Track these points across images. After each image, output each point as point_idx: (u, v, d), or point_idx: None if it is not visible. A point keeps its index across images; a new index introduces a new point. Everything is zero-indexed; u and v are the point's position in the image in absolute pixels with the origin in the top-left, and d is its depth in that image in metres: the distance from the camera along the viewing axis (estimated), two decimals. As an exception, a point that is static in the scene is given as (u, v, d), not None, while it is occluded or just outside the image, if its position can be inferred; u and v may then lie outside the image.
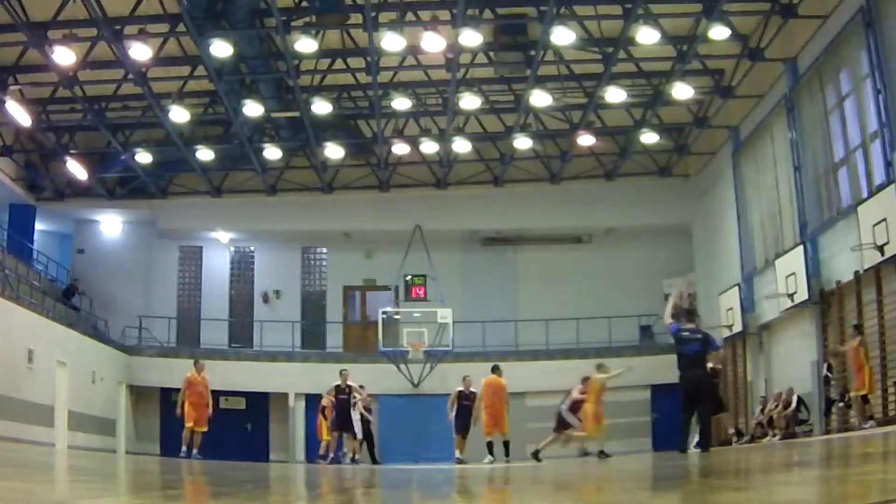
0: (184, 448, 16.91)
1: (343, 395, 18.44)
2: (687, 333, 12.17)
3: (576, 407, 17.18)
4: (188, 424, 16.99)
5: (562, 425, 17.32)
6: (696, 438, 12.41)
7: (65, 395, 20.16)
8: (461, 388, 18.46)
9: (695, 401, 11.94)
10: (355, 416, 19.23)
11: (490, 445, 17.58)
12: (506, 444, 17.91)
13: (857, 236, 15.36)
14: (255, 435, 24.95)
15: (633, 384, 24.90)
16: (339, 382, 18.57)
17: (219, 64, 19.37)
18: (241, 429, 24.51)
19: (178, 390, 24.33)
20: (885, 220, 14.49)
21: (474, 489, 6.58)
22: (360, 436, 19.65)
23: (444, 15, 18.15)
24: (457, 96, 21.45)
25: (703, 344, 12.04)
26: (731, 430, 19.05)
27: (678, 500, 4.24)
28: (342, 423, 18.41)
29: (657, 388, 24.99)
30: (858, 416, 15.06)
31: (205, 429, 17.16)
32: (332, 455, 18.41)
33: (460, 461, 17.60)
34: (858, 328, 15.49)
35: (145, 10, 18.04)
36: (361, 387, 19.29)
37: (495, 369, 18.29)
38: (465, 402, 18.29)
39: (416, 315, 25.52)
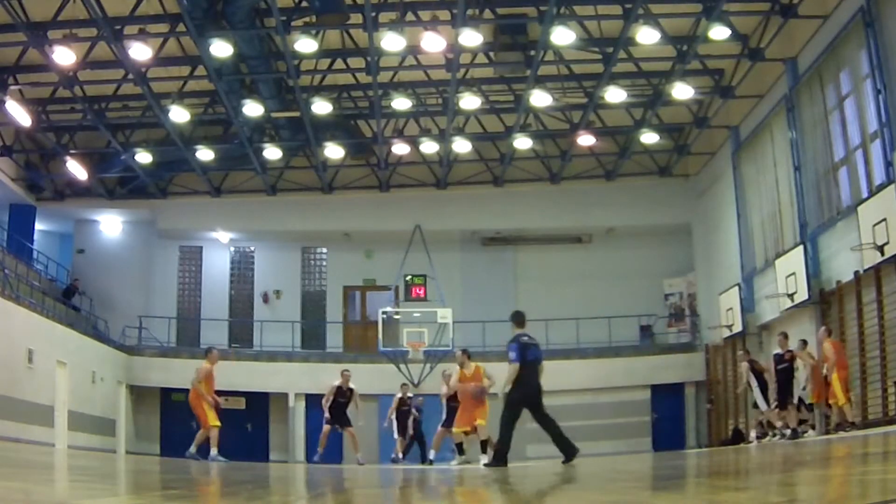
0: (215, 451, 14.77)
1: (342, 399, 17.67)
2: (527, 339, 11.05)
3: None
4: (216, 423, 14.91)
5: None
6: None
7: (65, 395, 20.17)
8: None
9: (533, 410, 10.91)
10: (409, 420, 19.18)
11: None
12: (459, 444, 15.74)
13: (857, 236, 15.37)
14: (255, 435, 24.95)
15: (633, 384, 25.02)
16: (339, 383, 17.77)
17: (219, 64, 19.38)
18: (241, 429, 24.50)
19: (178, 390, 24.37)
20: (885, 220, 14.51)
21: (473, 489, 6.58)
22: (410, 433, 19.54)
23: (444, 15, 18.16)
24: (457, 96, 21.45)
25: (539, 349, 11.09)
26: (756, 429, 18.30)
27: (678, 500, 4.24)
28: (339, 420, 17.74)
29: (657, 388, 25.05)
30: (844, 423, 14.84)
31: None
32: (320, 451, 17.65)
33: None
34: (830, 331, 15.75)
35: (145, 10, 18.05)
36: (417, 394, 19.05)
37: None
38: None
39: (416, 315, 25.52)
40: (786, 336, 16.75)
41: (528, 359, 10.83)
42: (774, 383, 16.43)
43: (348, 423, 17.80)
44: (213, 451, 14.68)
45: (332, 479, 8.67)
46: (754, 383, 17.34)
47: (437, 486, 7.25)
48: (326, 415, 17.88)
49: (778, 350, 16.50)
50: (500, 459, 10.96)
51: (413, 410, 19.64)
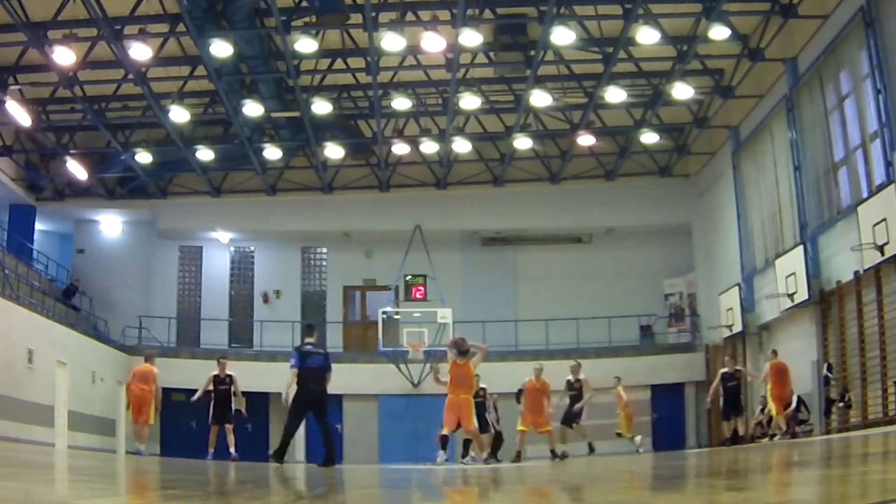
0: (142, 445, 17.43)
1: (223, 386, 16.86)
2: (310, 347, 12.24)
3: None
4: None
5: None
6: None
7: (65, 395, 20.16)
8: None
9: (316, 414, 12.14)
10: (489, 416, 18.05)
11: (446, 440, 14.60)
12: (466, 441, 15.76)
13: (857, 236, 15.37)
14: (255, 435, 24.91)
15: (633, 384, 25.00)
16: (216, 372, 17.06)
17: (219, 64, 19.37)
18: (241, 429, 24.45)
19: (178, 390, 24.47)
20: (885, 220, 14.51)
21: (474, 489, 6.58)
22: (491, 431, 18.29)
23: (444, 15, 18.16)
24: (457, 96, 21.45)
25: (325, 358, 12.21)
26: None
27: (678, 500, 4.24)
28: (223, 415, 16.83)
29: (657, 388, 25.05)
30: (778, 431, 17.33)
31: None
32: (211, 450, 16.63)
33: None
34: (775, 353, 18.21)
35: (145, 10, 18.05)
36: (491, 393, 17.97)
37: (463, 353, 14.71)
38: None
39: (416, 315, 25.50)
40: (733, 357, 19.95)
41: (309, 365, 11.97)
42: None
43: (230, 419, 16.97)
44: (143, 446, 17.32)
45: (331, 480, 8.67)
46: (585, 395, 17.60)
47: (435, 486, 7.25)
48: (211, 409, 16.97)
49: (726, 369, 18.57)
50: (278, 456, 12.01)
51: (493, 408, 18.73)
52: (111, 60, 19.38)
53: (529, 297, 27.55)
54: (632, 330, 26.53)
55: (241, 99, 21.54)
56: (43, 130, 23.06)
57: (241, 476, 8.38)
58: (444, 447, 14.32)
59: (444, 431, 14.27)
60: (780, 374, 17.66)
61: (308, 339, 12.46)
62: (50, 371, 19.50)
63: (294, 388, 12.11)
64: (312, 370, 12.02)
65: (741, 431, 18.27)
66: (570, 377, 17.67)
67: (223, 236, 28.18)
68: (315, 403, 12.06)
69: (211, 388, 17.01)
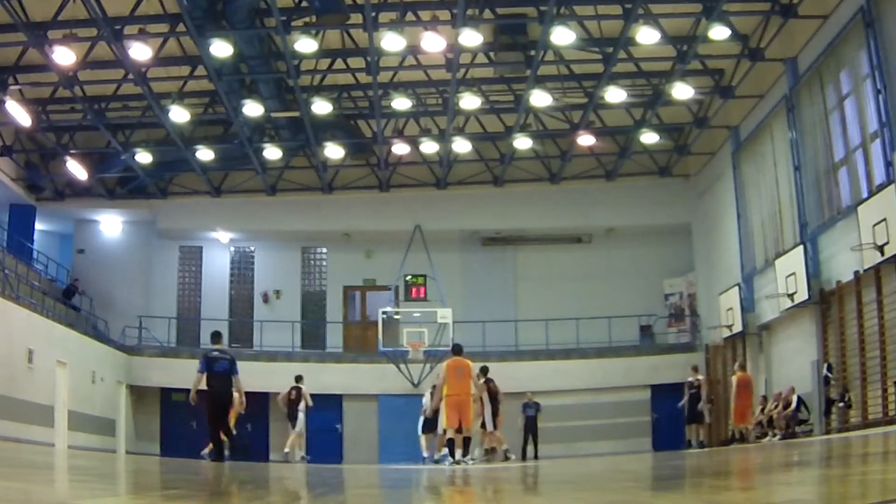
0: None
1: None
2: (217, 353, 13.45)
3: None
4: None
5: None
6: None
7: (65, 395, 20.16)
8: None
9: (217, 413, 13.31)
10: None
11: (452, 443, 14.41)
12: (466, 440, 15.09)
13: (857, 236, 15.36)
14: (255, 435, 24.92)
15: (633, 384, 25.03)
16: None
17: (219, 64, 19.37)
18: (241, 429, 24.46)
19: (178, 390, 24.56)
20: (885, 220, 14.50)
21: (473, 489, 6.58)
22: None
23: (444, 15, 18.16)
24: (457, 96, 21.44)
25: (230, 363, 13.32)
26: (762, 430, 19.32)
27: (678, 500, 4.24)
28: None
29: (657, 388, 25.04)
30: (740, 438, 18.80)
31: None
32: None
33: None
34: (743, 366, 19.87)
35: (145, 10, 18.05)
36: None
37: (458, 350, 14.94)
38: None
39: (416, 315, 25.50)
40: (696, 369, 21.93)
41: (216, 370, 13.14)
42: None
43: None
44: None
45: (331, 480, 8.67)
46: (487, 405, 16.96)
47: (433, 486, 7.25)
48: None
49: (690, 378, 21.08)
50: (217, 454, 13.30)
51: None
52: (111, 60, 19.38)
53: (529, 296, 27.53)
54: (632, 330, 26.52)
55: (241, 99, 21.54)
56: (43, 130, 23.05)
57: (241, 476, 8.38)
58: (452, 454, 14.23)
59: (449, 434, 14.40)
60: (744, 387, 19.04)
61: (215, 346, 13.65)
62: (50, 371, 19.51)
63: (202, 388, 13.30)
64: (218, 374, 13.16)
65: (695, 437, 20.58)
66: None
67: (223, 236, 28.17)
68: (220, 402, 13.26)
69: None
